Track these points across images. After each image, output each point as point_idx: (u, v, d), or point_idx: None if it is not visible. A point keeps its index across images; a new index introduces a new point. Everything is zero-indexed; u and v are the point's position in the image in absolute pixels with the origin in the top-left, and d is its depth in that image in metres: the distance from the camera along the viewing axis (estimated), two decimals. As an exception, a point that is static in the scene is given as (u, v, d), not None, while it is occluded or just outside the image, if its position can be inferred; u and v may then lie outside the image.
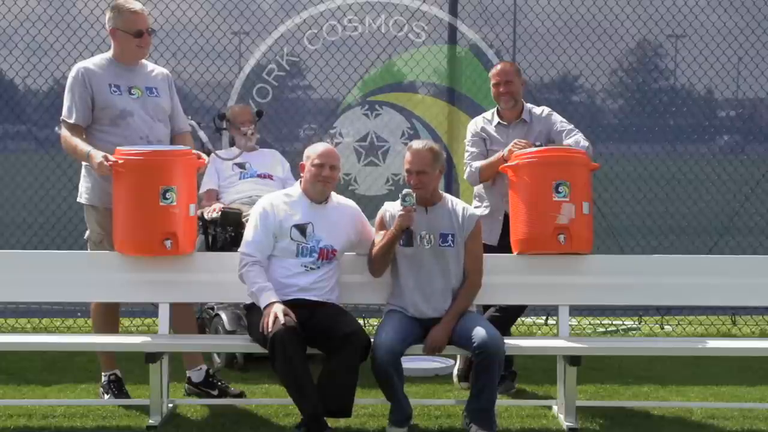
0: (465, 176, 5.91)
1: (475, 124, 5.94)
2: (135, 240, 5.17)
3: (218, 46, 7.61)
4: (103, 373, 5.59)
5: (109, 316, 5.60)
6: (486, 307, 5.73)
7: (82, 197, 5.47)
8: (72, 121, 5.33)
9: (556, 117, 5.83)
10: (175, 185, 5.10)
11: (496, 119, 5.88)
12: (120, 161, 5.07)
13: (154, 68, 5.59)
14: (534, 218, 5.29)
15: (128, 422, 5.26)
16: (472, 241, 5.19)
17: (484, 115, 5.99)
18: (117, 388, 5.55)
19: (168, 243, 5.10)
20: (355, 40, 7.63)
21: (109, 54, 5.46)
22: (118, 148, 5.15)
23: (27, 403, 5.55)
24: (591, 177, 5.48)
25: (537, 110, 5.87)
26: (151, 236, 5.11)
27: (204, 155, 5.44)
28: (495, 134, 5.84)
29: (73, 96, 5.34)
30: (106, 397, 5.55)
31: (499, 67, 5.89)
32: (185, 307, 5.56)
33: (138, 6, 5.40)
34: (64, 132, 5.36)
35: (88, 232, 5.52)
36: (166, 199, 5.08)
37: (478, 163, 5.80)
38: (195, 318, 5.86)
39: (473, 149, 5.87)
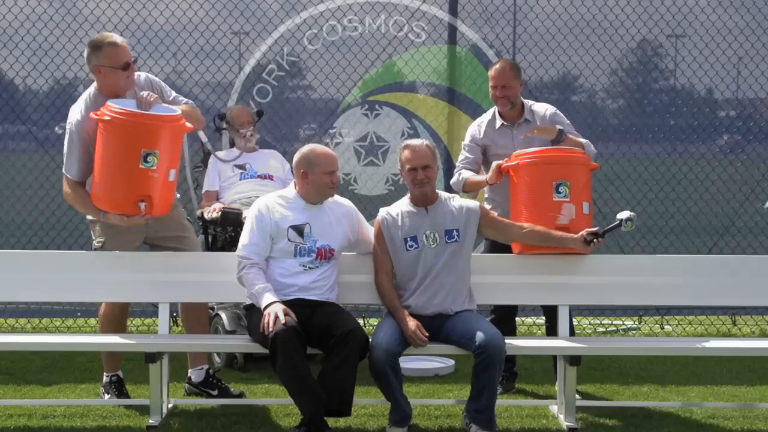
0: (451, 181, 5.81)
1: (478, 129, 5.81)
2: (111, 198, 5.16)
3: (218, 46, 7.61)
4: (105, 374, 5.59)
5: (119, 321, 5.55)
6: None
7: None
8: (75, 178, 5.28)
9: (563, 119, 5.74)
10: (157, 150, 5.06)
11: (499, 121, 5.77)
12: (106, 117, 5.03)
13: (139, 88, 5.30)
14: (534, 218, 5.29)
15: (128, 422, 5.26)
16: (492, 221, 5.25)
17: (486, 117, 5.85)
18: (117, 388, 5.55)
19: (142, 205, 5.09)
20: (355, 40, 7.63)
21: (94, 89, 5.28)
22: (108, 102, 5.09)
23: (27, 403, 5.55)
24: (591, 177, 5.48)
25: (539, 108, 5.77)
26: (127, 197, 5.10)
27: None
28: (499, 138, 5.74)
29: (71, 153, 5.26)
30: (107, 396, 5.55)
31: (497, 66, 5.73)
32: (198, 306, 5.56)
33: (118, 38, 5.21)
34: (68, 188, 5.31)
35: (95, 243, 5.49)
36: (147, 162, 5.06)
37: (467, 174, 5.71)
38: (207, 318, 5.82)
39: (468, 155, 5.78)
